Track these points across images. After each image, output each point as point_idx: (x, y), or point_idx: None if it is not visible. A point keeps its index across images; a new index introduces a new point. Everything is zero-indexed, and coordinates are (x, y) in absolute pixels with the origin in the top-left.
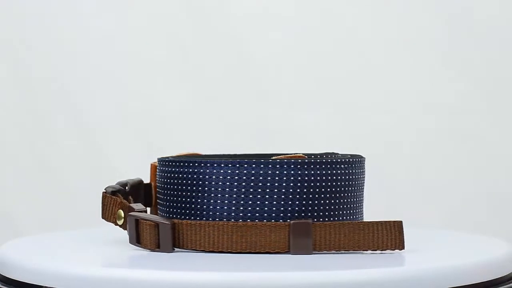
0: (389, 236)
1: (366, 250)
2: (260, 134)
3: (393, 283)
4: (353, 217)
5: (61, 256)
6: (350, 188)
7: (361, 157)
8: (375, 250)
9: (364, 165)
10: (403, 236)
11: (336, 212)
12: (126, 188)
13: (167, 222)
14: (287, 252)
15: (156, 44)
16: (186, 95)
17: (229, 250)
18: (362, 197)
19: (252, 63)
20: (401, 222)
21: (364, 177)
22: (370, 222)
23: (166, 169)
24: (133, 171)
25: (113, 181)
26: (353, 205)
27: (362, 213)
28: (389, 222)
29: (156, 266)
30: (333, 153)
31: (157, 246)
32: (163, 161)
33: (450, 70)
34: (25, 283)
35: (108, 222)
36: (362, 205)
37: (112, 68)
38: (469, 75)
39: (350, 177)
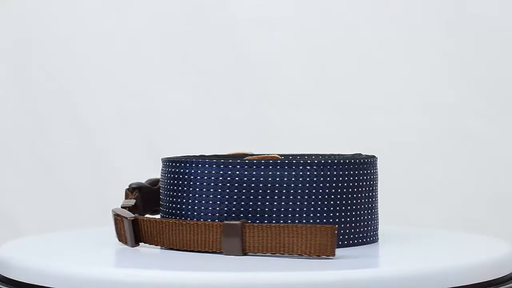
0: (320, 241)
1: (300, 254)
2: (260, 134)
3: (393, 282)
4: (330, 220)
5: (61, 256)
6: (326, 191)
7: (340, 159)
8: (305, 254)
9: (341, 168)
10: (335, 242)
11: (312, 215)
12: (157, 185)
13: (128, 218)
14: (221, 252)
15: (156, 44)
16: (186, 95)
17: (176, 248)
18: (346, 201)
19: (252, 63)
20: (333, 227)
21: (344, 180)
22: (301, 225)
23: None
24: (133, 171)
25: (112, 181)
26: (332, 208)
27: (349, 218)
28: (321, 226)
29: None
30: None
31: (125, 241)
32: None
33: (450, 70)
34: (25, 283)
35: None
36: (349, 209)
37: (112, 68)
38: (469, 75)
39: (323, 179)
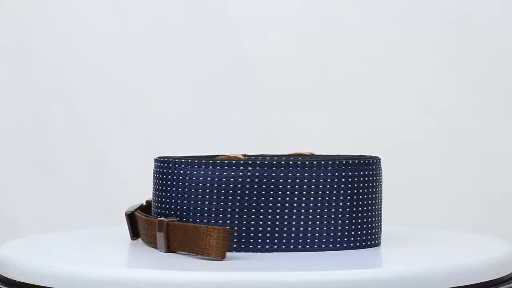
0: (213, 242)
1: (196, 254)
2: (260, 134)
3: (394, 282)
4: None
5: (61, 256)
6: (271, 193)
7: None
8: (199, 254)
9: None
10: (226, 245)
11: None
12: None
13: (127, 213)
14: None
15: (156, 44)
16: (186, 95)
17: (143, 241)
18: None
19: (252, 63)
20: (226, 229)
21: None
22: (199, 225)
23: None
24: (133, 171)
25: (112, 181)
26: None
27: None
28: (213, 227)
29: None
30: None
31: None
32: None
33: (450, 70)
34: (25, 283)
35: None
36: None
37: (112, 68)
38: (469, 75)
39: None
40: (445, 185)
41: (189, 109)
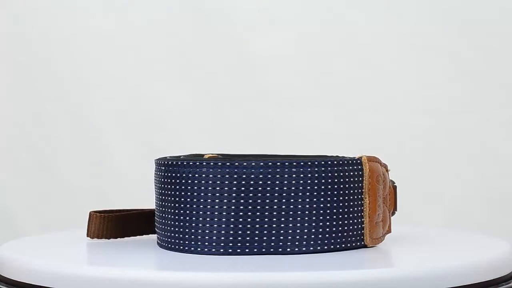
0: (90, 226)
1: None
2: (260, 134)
3: (394, 283)
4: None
5: (61, 256)
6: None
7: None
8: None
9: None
10: (96, 229)
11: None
12: None
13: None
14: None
15: (156, 44)
16: (186, 95)
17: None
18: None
19: (252, 63)
20: (97, 215)
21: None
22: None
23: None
24: (133, 171)
25: (112, 181)
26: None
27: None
28: (91, 213)
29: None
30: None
31: None
32: None
33: (450, 70)
34: (25, 283)
35: None
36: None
37: (112, 68)
38: (469, 75)
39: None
40: (445, 185)
41: (189, 109)
